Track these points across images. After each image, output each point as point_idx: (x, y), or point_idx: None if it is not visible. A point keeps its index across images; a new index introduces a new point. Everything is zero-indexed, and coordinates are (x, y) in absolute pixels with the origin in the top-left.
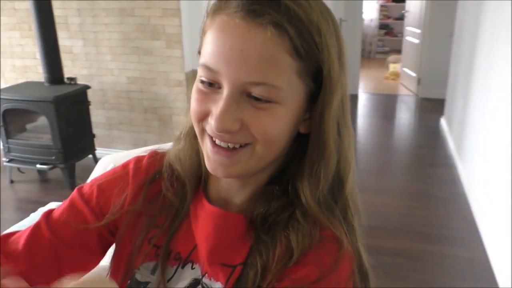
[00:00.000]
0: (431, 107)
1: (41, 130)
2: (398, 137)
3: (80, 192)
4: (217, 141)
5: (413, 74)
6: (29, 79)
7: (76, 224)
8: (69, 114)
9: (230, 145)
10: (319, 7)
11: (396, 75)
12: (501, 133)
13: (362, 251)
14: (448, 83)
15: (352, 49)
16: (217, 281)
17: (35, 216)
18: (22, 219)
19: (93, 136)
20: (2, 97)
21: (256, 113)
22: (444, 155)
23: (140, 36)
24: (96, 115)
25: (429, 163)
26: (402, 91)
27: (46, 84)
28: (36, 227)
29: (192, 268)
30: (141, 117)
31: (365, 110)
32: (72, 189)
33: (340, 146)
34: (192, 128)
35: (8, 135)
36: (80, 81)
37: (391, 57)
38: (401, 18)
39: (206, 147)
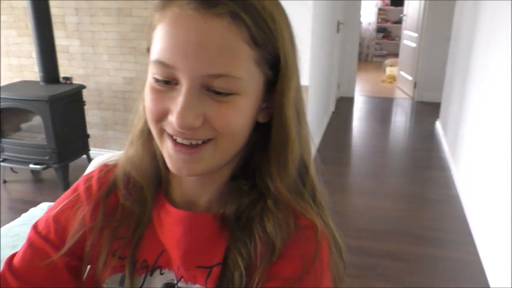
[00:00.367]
0: (427, 111)
1: (36, 129)
2: (393, 140)
3: (36, 230)
4: (179, 139)
5: (410, 78)
6: (25, 78)
7: (41, 263)
8: (64, 114)
9: (193, 142)
10: None
11: (393, 79)
12: (494, 137)
13: (333, 228)
14: (444, 87)
15: (349, 52)
16: (194, 284)
17: (26, 217)
18: (14, 219)
19: (88, 136)
20: None
21: (218, 107)
22: (439, 158)
23: (138, 37)
24: (92, 115)
25: (424, 166)
26: (399, 94)
27: (42, 84)
28: (1, 280)
29: (161, 274)
30: None
31: (361, 113)
32: (66, 189)
33: (301, 130)
34: (143, 131)
35: (2, 135)
36: (76, 81)
37: (388, 61)
38: (399, 21)
39: (167, 148)
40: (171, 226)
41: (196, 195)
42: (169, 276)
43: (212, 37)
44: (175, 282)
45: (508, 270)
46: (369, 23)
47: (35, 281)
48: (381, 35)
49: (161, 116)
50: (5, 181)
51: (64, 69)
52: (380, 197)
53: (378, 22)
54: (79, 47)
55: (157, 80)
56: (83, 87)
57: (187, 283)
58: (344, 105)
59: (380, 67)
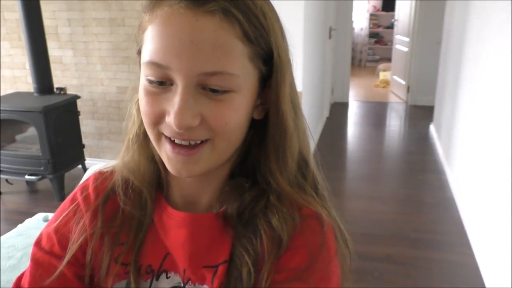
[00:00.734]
0: (421, 114)
1: (31, 140)
2: (388, 144)
3: (39, 247)
4: (177, 141)
5: (403, 82)
6: (19, 90)
7: (50, 278)
8: (58, 125)
9: (191, 142)
10: None
11: (386, 83)
12: (487, 139)
13: (338, 219)
14: (436, 90)
15: (342, 58)
16: (202, 284)
17: (22, 228)
18: (10, 230)
19: (83, 146)
20: None
21: (215, 106)
22: (433, 161)
23: (131, 46)
24: (86, 125)
25: (419, 169)
26: (392, 98)
27: (36, 94)
28: None
29: (167, 277)
30: None
31: (355, 118)
32: (62, 200)
33: (298, 124)
34: (138, 135)
35: None
36: (70, 91)
37: (381, 65)
38: (390, 27)
39: (166, 150)
40: (174, 229)
41: (196, 196)
42: (176, 279)
43: (205, 34)
44: (182, 285)
45: (503, 271)
46: (361, 29)
47: None
48: (373, 40)
49: (158, 119)
50: (0, 193)
51: (58, 80)
52: (376, 201)
53: (370, 28)
54: (72, 58)
55: (151, 82)
56: (77, 97)
57: (195, 285)
58: (338, 110)
59: (373, 72)
